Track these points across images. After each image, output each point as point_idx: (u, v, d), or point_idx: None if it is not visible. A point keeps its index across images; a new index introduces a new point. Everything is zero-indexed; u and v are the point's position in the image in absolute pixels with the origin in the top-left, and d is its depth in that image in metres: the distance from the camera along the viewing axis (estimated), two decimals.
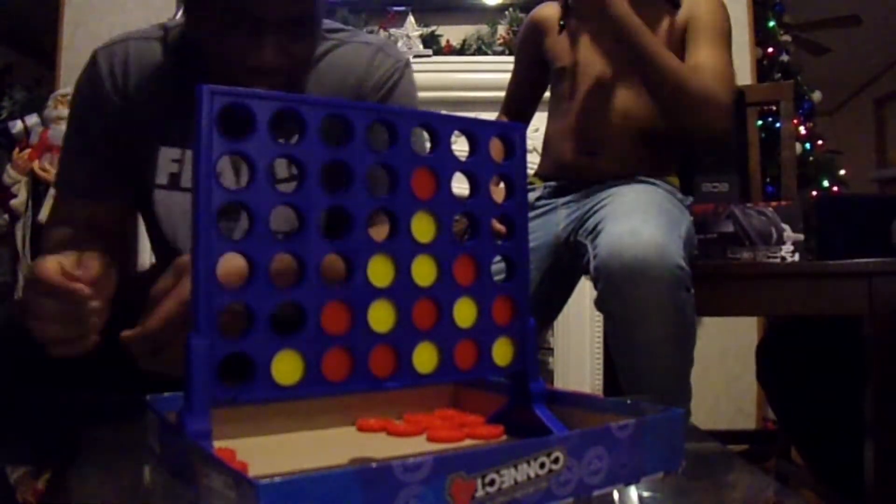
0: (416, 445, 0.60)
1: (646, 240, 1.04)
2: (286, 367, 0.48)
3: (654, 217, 1.10)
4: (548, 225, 1.37)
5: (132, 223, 1.03)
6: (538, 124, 1.59)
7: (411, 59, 2.61)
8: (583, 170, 1.39)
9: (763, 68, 2.71)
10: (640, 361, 1.07)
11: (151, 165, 0.95)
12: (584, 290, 2.60)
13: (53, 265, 0.70)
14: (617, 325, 1.08)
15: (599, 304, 1.11)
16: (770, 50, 2.69)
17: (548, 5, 1.54)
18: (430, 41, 2.68)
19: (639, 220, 1.09)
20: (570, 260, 1.35)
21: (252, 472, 0.49)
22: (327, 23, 0.99)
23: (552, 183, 1.43)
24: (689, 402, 1.13)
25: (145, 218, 1.02)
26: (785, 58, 2.70)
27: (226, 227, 0.92)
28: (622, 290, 1.04)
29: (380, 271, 0.53)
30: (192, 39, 0.90)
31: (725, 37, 1.35)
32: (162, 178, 0.96)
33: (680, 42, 1.36)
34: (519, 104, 1.61)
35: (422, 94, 2.71)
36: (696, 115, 1.24)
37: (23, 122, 2.64)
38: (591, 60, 1.41)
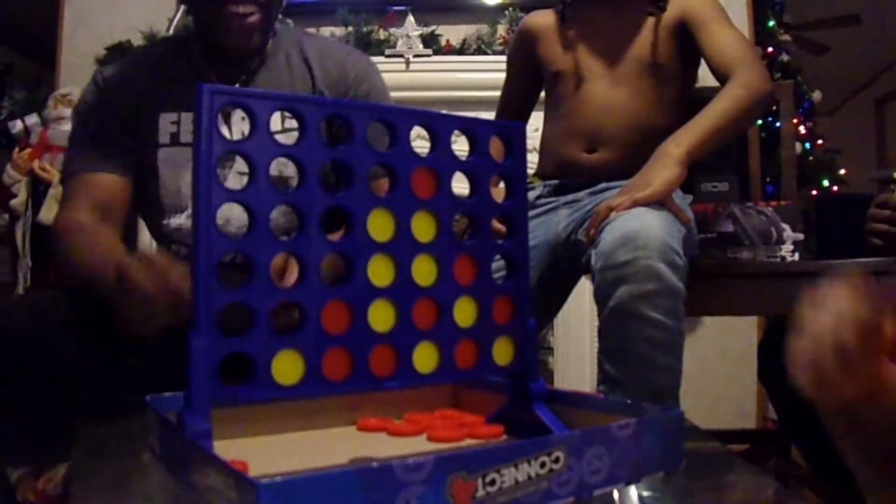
0: (417, 445, 0.60)
1: (645, 223, 1.05)
2: (286, 367, 0.48)
3: (655, 212, 1.11)
4: (548, 224, 1.38)
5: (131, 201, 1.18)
6: (537, 123, 1.59)
7: (411, 59, 2.63)
8: (584, 167, 1.39)
9: None
10: (632, 324, 1.05)
11: (154, 130, 1.15)
12: (584, 290, 2.59)
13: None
14: (605, 289, 1.07)
15: (595, 291, 1.10)
16: (770, 49, 2.69)
17: (537, 13, 1.57)
18: (430, 41, 2.67)
19: (640, 213, 1.09)
20: (569, 259, 1.35)
21: (252, 472, 0.49)
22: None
23: (553, 182, 1.44)
24: (678, 381, 1.10)
25: (146, 184, 1.17)
26: (785, 57, 2.70)
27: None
28: (615, 257, 1.04)
29: (380, 271, 0.53)
30: None
31: (726, 15, 1.38)
32: (165, 139, 1.15)
33: (670, 38, 1.37)
34: (514, 112, 1.62)
35: (422, 94, 2.69)
36: (769, 103, 1.36)
37: (23, 122, 2.64)
38: (587, 62, 1.42)
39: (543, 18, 1.54)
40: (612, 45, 1.40)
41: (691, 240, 1.24)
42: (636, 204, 1.13)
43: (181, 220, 1.16)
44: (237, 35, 1.08)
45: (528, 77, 1.58)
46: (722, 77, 1.30)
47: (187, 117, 1.13)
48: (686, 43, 1.37)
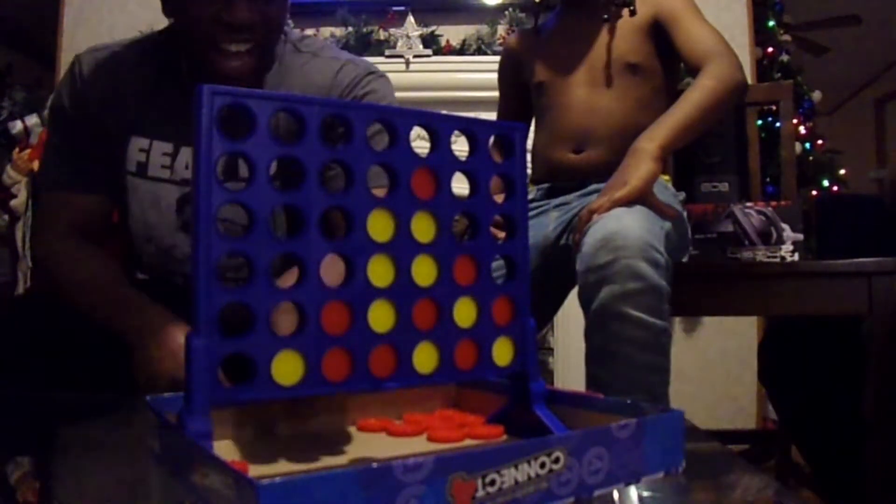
0: (417, 446, 0.60)
1: (624, 224, 1.05)
2: (286, 367, 0.48)
3: (634, 211, 1.11)
4: (538, 226, 1.38)
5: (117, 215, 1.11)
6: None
7: (411, 59, 2.63)
8: (572, 168, 1.40)
9: (763, 68, 2.71)
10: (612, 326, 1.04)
11: (122, 153, 1.04)
12: None
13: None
14: (587, 293, 1.06)
15: (579, 294, 1.09)
16: (770, 50, 2.69)
17: (516, 34, 1.62)
18: (430, 41, 2.68)
19: (619, 214, 1.09)
20: (561, 262, 1.35)
21: (252, 472, 0.49)
22: (305, 35, 1.13)
23: (544, 185, 1.45)
24: (665, 385, 1.08)
25: (121, 209, 1.09)
26: (785, 58, 2.70)
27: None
28: (595, 260, 1.03)
29: (380, 271, 0.53)
30: (172, 9, 1.01)
31: (697, 9, 1.39)
32: (132, 166, 1.04)
33: (645, 37, 1.39)
34: None
35: (422, 94, 2.69)
36: (742, 92, 1.32)
37: (23, 122, 2.65)
38: (567, 70, 1.44)
39: (522, 37, 1.60)
40: (589, 51, 1.42)
41: (680, 235, 1.24)
42: (616, 204, 1.13)
43: (152, 250, 1.07)
44: (227, 70, 0.96)
45: (519, 97, 1.61)
46: (695, 70, 1.31)
47: (159, 147, 1.04)
48: (662, 41, 1.39)
